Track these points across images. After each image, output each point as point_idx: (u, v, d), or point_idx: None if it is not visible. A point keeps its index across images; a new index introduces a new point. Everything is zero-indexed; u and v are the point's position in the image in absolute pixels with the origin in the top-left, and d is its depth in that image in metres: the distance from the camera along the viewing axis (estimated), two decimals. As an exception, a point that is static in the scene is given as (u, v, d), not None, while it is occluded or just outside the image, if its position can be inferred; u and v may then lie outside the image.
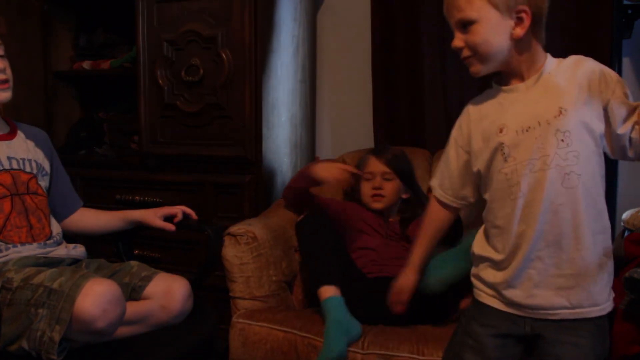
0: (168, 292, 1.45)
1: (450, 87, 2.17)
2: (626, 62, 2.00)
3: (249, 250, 1.66)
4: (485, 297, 1.29)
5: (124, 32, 2.48)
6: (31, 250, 1.45)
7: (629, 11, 1.91)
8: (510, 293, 1.24)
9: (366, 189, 1.86)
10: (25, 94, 2.44)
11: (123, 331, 1.34)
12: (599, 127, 1.19)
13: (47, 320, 1.21)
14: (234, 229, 1.68)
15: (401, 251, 1.73)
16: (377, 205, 1.84)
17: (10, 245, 1.42)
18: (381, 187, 1.84)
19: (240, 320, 1.60)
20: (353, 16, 2.38)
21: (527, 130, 1.20)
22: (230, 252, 1.66)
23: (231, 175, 2.12)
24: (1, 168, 1.47)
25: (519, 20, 1.19)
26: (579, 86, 1.19)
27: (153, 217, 1.65)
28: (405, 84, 2.23)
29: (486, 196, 1.29)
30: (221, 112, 2.11)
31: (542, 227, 1.19)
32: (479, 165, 1.29)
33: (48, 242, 1.50)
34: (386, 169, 1.84)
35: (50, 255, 1.48)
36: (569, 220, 1.18)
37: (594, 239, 1.20)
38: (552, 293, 1.21)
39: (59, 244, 1.54)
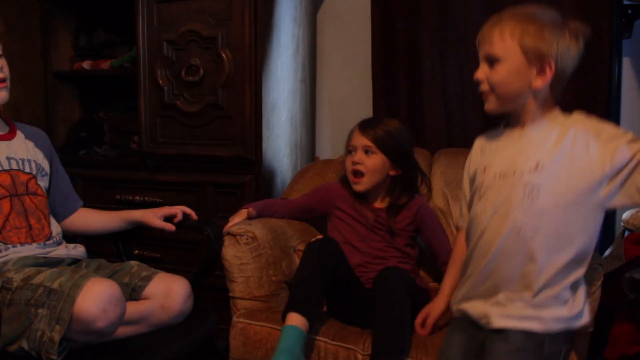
0: (168, 292, 1.45)
1: (450, 87, 2.17)
2: (626, 62, 2.00)
3: (248, 250, 1.66)
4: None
5: (124, 32, 2.48)
6: (31, 250, 1.45)
7: (629, 11, 1.91)
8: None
9: (347, 162, 1.77)
10: (25, 94, 2.44)
11: (123, 331, 1.34)
12: (586, 184, 1.19)
13: (47, 320, 1.21)
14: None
15: (385, 247, 1.71)
16: (358, 187, 1.74)
17: (9, 246, 1.42)
18: (360, 161, 1.72)
19: (241, 319, 1.60)
20: (353, 16, 2.38)
21: (503, 177, 1.25)
22: (230, 252, 1.66)
23: (231, 175, 2.12)
24: (0, 168, 1.47)
25: (542, 72, 1.20)
26: (565, 144, 1.20)
27: (153, 217, 1.65)
28: (405, 84, 2.22)
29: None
30: (221, 112, 2.11)
31: (490, 268, 1.25)
32: (468, 195, 1.38)
33: (48, 242, 1.50)
34: (368, 142, 1.71)
35: (50, 255, 1.48)
36: (518, 267, 1.22)
37: (545, 286, 1.21)
38: (485, 304, 1.27)
39: (58, 244, 1.54)
